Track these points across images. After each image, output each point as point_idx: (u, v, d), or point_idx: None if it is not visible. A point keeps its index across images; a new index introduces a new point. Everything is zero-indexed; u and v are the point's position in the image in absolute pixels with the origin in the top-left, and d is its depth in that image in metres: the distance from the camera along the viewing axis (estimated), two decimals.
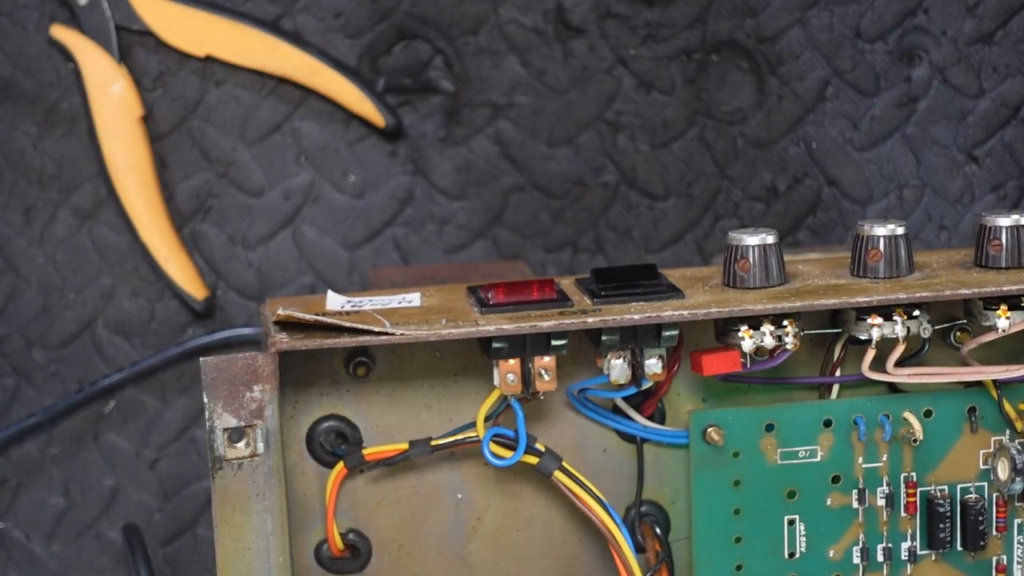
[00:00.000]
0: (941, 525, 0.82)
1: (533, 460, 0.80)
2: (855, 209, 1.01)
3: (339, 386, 0.81)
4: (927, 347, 0.81)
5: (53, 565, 1.01)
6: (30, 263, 0.99)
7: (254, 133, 0.99)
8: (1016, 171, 1.01)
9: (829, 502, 0.82)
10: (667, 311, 0.76)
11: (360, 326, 0.75)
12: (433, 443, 0.80)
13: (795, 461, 0.82)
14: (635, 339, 0.78)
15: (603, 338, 0.77)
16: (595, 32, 0.98)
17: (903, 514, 0.83)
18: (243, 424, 0.74)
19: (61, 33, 0.97)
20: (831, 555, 0.83)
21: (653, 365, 0.78)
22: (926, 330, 0.79)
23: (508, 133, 1.00)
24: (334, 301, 0.79)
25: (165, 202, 0.98)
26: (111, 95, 0.97)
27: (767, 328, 0.77)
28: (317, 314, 0.75)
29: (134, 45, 0.98)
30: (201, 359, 0.74)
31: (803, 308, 0.77)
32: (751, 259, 0.79)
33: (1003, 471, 0.82)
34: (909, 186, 1.01)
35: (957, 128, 1.01)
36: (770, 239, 0.79)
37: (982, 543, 0.83)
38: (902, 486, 0.82)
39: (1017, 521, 0.83)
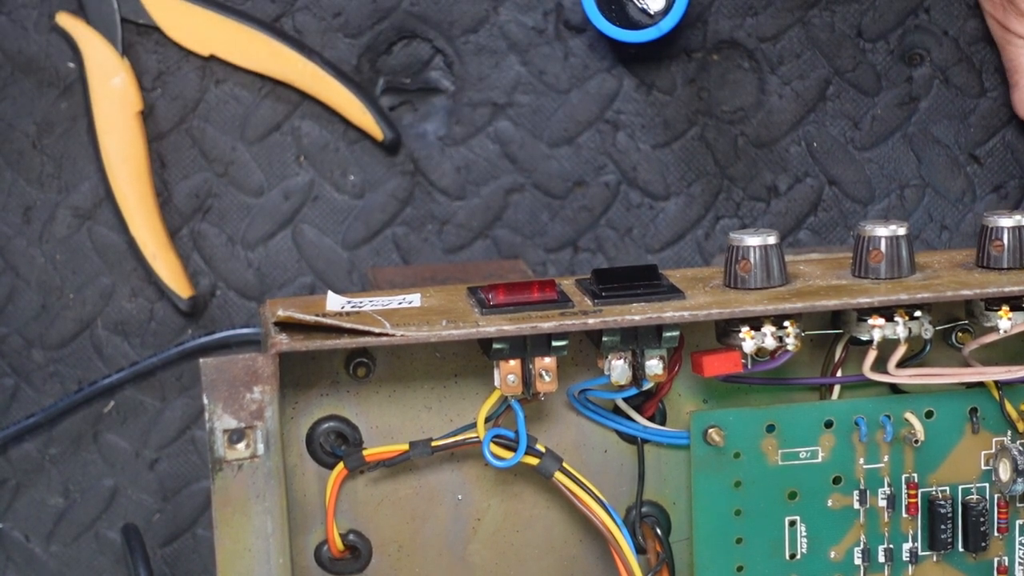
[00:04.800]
0: (942, 526, 0.82)
1: (533, 461, 0.80)
2: (856, 209, 1.01)
3: (339, 387, 0.81)
4: (928, 348, 0.81)
5: (52, 565, 1.00)
6: (29, 263, 0.99)
7: (254, 133, 0.99)
8: (1017, 171, 1.01)
9: (830, 503, 0.82)
10: (668, 312, 0.76)
11: (360, 327, 0.75)
12: (433, 444, 0.80)
13: (796, 462, 0.81)
14: (636, 340, 0.78)
15: (604, 339, 0.77)
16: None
17: (904, 515, 0.82)
18: (243, 425, 0.74)
19: (66, 21, 0.96)
20: (832, 556, 0.83)
21: (654, 366, 0.78)
22: (927, 331, 0.79)
23: (508, 132, 0.99)
24: (334, 302, 0.79)
25: (158, 199, 0.98)
26: (112, 87, 0.96)
27: (768, 329, 0.77)
28: (317, 315, 0.75)
29: (135, 43, 0.97)
30: (201, 360, 0.74)
31: (804, 309, 0.77)
32: (752, 260, 0.79)
33: (1004, 472, 0.82)
34: (910, 186, 1.01)
35: (958, 128, 1.00)
36: (771, 239, 0.79)
37: (983, 544, 0.82)
38: (903, 487, 0.82)
39: (1019, 522, 0.83)
